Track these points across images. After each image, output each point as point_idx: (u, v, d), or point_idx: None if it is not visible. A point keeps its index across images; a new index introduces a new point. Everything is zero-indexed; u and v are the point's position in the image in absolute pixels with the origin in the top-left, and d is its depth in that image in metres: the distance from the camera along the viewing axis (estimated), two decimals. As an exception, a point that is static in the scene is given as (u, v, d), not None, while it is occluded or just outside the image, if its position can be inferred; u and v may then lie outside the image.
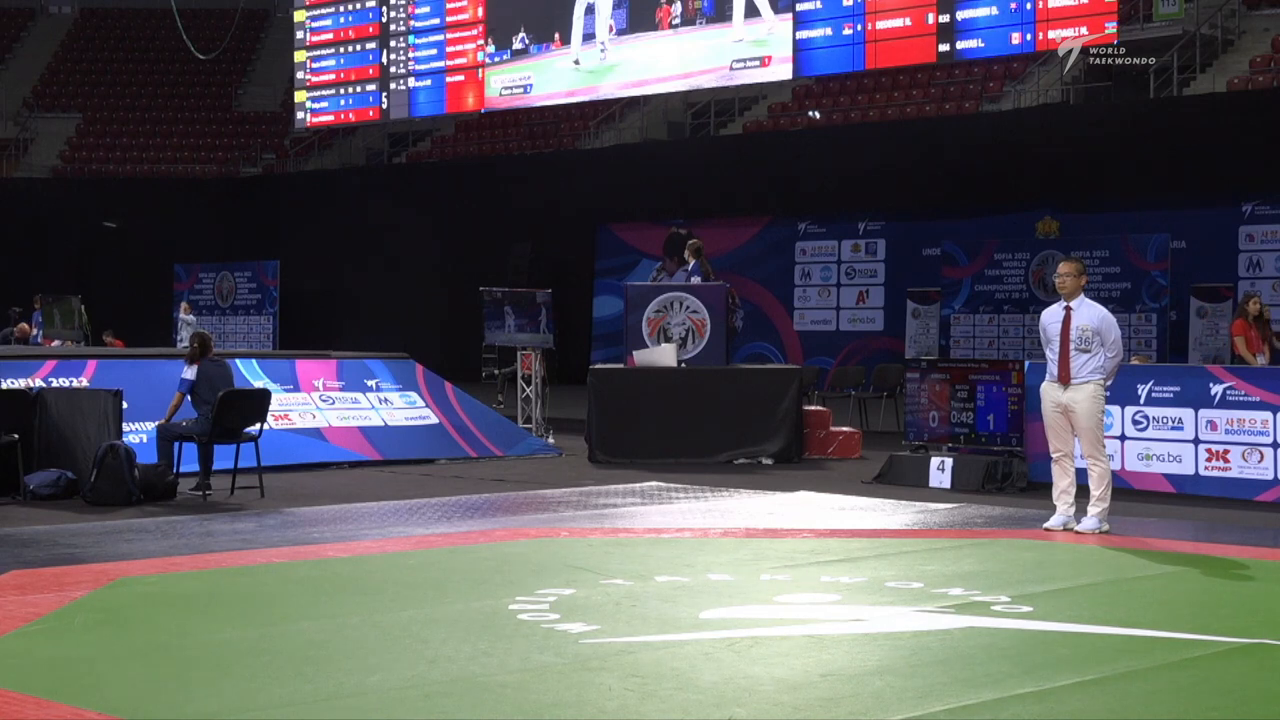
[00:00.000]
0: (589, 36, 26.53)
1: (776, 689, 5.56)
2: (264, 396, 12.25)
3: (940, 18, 22.09)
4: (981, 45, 22.07)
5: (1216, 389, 11.92)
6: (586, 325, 27.89)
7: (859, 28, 22.96)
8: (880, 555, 8.92)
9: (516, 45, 27.66)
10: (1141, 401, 12.21)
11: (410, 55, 29.21)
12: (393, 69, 29.46)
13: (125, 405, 12.27)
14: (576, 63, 26.73)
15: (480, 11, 28.07)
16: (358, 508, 11.16)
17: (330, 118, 31.27)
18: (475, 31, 28.18)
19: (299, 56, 31.40)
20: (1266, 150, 20.85)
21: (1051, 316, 10.04)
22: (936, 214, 24.41)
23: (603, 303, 27.93)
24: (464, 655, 6.07)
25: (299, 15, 31.36)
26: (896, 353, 22.85)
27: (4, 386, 12.46)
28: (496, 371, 21.20)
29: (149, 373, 13.68)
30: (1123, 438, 12.26)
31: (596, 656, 6.13)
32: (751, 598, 7.45)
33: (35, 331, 24.70)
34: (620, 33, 26.28)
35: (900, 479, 12.87)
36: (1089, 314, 9.87)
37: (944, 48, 22.27)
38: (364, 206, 31.53)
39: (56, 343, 23.68)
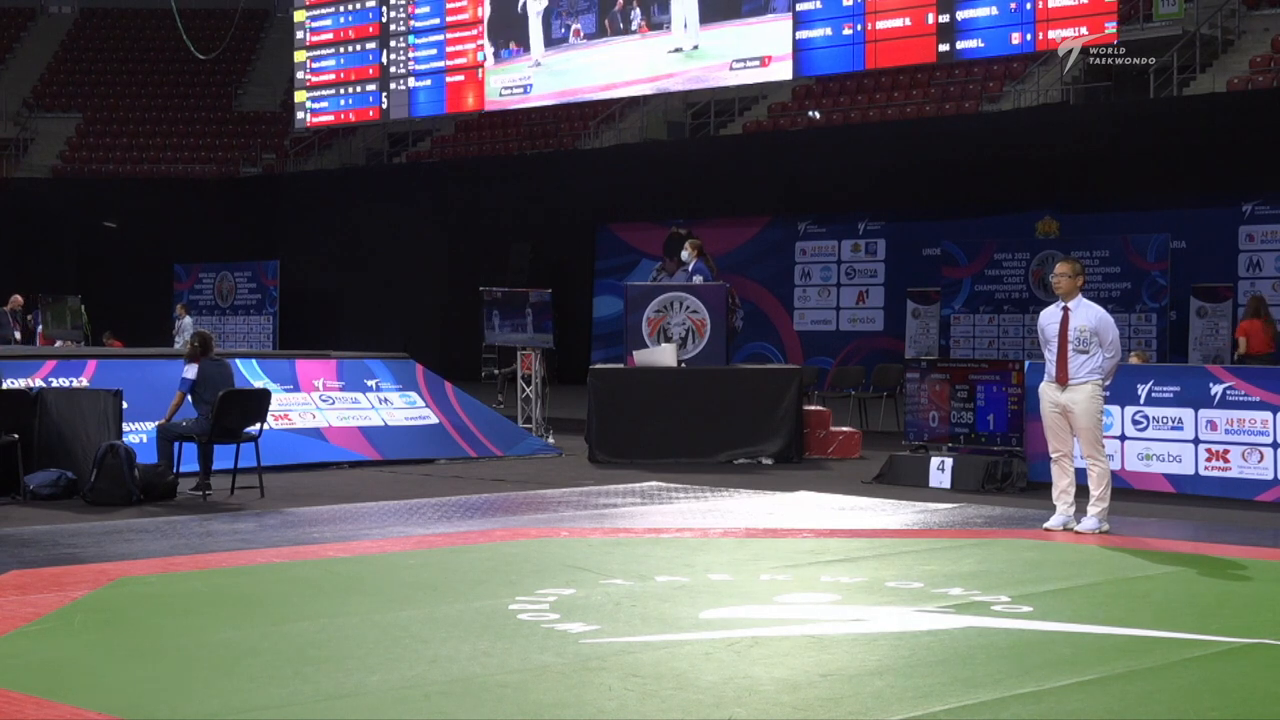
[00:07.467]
0: (588, 35, 26.49)
1: (776, 689, 5.56)
2: (264, 396, 12.25)
3: (940, 18, 22.04)
4: (981, 45, 22.02)
5: (1216, 389, 11.92)
6: (586, 325, 27.89)
7: (859, 28, 22.92)
8: (880, 555, 8.92)
9: (513, 46, 27.64)
10: (1141, 401, 12.21)
11: (410, 55, 29.16)
12: (393, 69, 29.42)
13: (125, 405, 12.28)
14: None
15: (480, 11, 28.04)
16: (358, 508, 11.16)
17: (330, 118, 31.22)
18: (475, 31, 28.15)
19: (299, 56, 31.34)
20: (1266, 150, 20.84)
21: (1049, 317, 10.04)
22: (936, 214, 24.40)
23: (603, 303, 27.92)
24: (464, 655, 6.07)
25: (299, 15, 31.30)
26: (896, 353, 22.83)
27: (4, 386, 12.45)
28: (496, 371, 21.19)
29: (149, 373, 13.68)
30: (1123, 438, 12.26)
31: (596, 656, 6.13)
32: (751, 598, 7.45)
33: (35, 327, 24.64)
34: (616, 33, 26.24)
35: (900, 479, 12.87)
36: (1087, 314, 9.87)
37: (944, 48, 22.23)
38: (364, 206, 31.51)
39: (59, 343, 23.62)
